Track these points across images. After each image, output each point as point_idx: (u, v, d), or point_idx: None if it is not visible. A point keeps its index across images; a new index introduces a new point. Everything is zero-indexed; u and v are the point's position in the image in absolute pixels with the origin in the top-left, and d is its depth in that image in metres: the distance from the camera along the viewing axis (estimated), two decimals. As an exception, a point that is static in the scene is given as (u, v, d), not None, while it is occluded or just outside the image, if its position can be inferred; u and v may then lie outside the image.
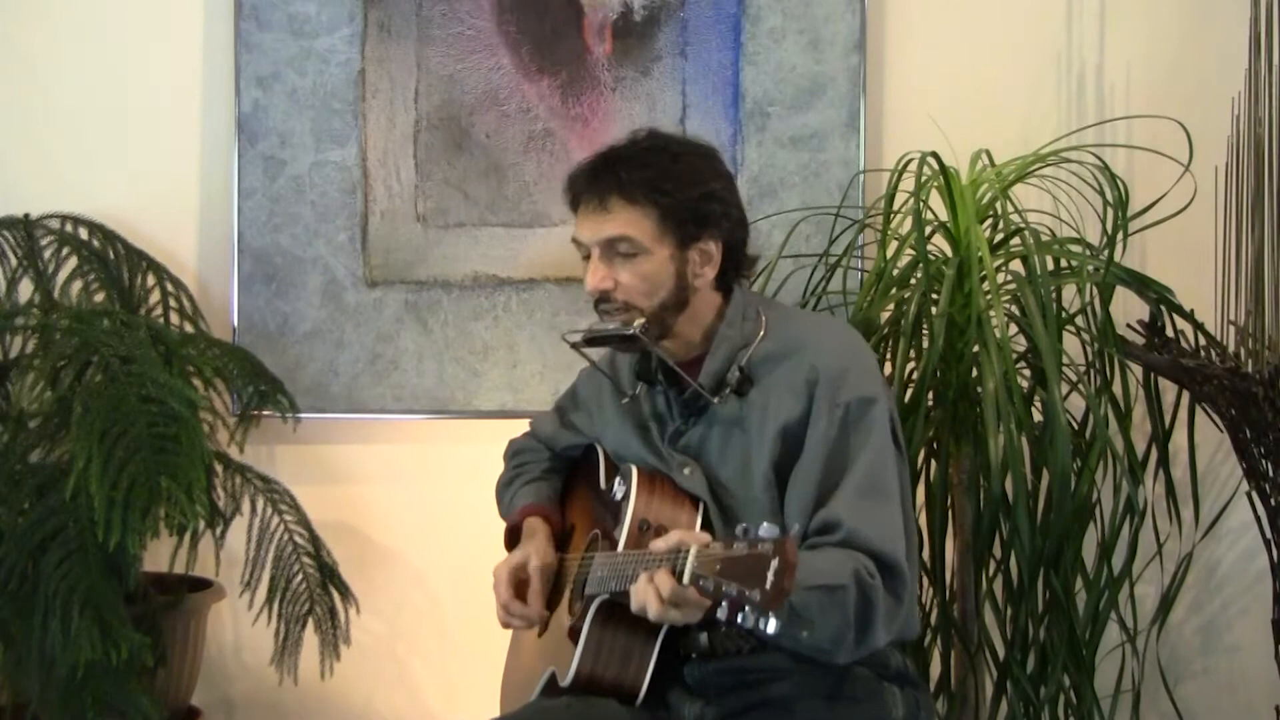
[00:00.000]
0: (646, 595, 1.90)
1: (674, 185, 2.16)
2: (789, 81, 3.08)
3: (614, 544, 2.14)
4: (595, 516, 2.30)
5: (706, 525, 2.16)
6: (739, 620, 1.76)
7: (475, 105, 3.08)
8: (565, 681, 2.12)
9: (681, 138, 2.31)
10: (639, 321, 2.17)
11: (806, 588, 1.90)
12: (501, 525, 2.46)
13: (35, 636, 2.56)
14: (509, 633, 2.45)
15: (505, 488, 2.51)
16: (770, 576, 1.75)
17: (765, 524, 1.79)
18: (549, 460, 2.49)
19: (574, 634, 2.14)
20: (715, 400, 2.19)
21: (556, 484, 2.46)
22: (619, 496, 2.20)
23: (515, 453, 2.55)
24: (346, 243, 3.08)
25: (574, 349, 2.28)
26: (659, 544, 1.92)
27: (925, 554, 2.68)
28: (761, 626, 1.75)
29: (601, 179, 2.18)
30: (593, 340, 2.23)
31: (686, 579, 1.82)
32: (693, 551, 1.82)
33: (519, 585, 2.29)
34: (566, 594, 2.26)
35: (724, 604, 1.77)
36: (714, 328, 2.23)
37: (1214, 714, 3.16)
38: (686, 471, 2.21)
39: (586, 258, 2.21)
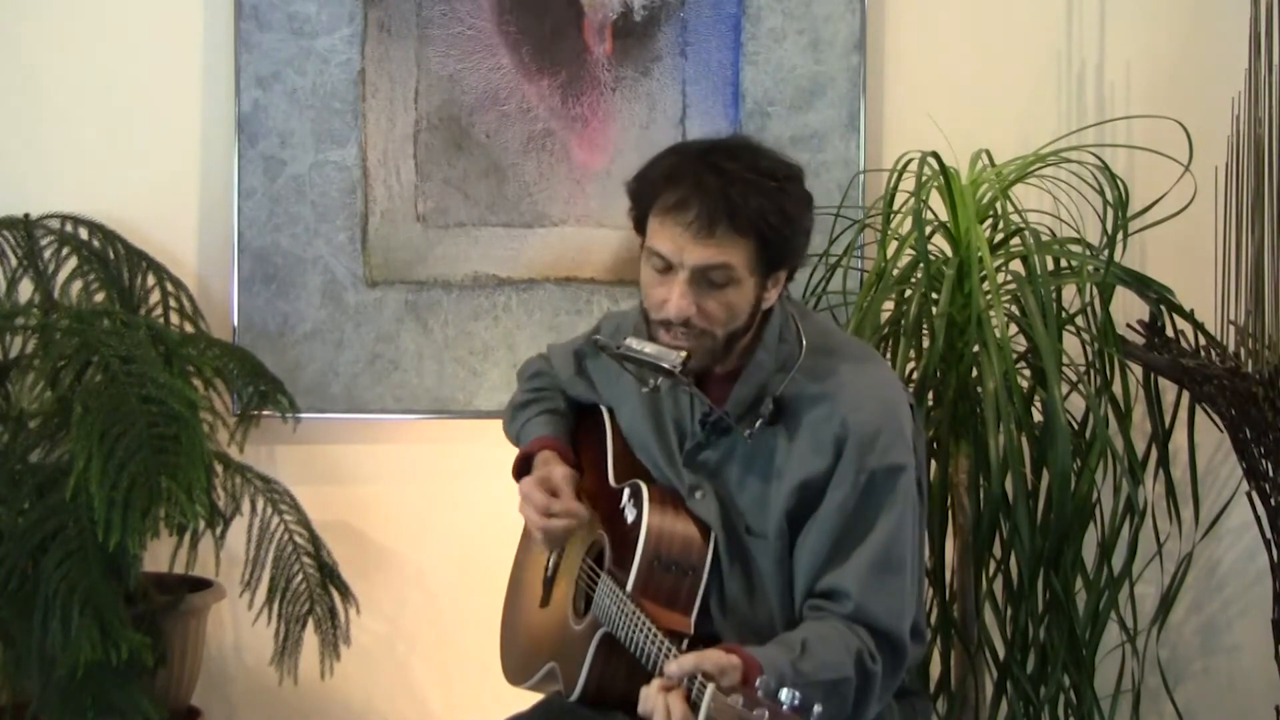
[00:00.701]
0: (655, 706, 1.85)
1: (780, 220, 2.04)
2: (789, 81, 3.08)
3: (624, 573, 2.09)
4: (601, 511, 2.25)
5: (715, 552, 2.11)
6: None
7: (475, 105, 3.08)
8: (573, 697, 2.11)
9: (777, 158, 2.13)
10: (681, 355, 2.05)
11: (812, 682, 1.88)
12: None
13: (35, 636, 2.56)
14: (509, 633, 2.45)
15: (520, 409, 2.42)
16: None
17: (786, 689, 1.74)
18: (564, 398, 2.42)
19: (580, 648, 2.13)
20: (747, 435, 2.11)
21: (572, 424, 2.38)
22: (630, 518, 2.15)
23: (533, 375, 2.46)
24: (346, 243, 3.08)
25: (602, 350, 2.19)
26: (672, 667, 1.85)
27: (925, 554, 2.68)
28: None
29: (712, 199, 2.02)
30: (628, 358, 2.12)
31: (702, 717, 1.79)
32: (709, 693, 1.78)
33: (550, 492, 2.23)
34: (570, 584, 2.25)
35: None
36: (750, 344, 2.13)
37: (1214, 714, 3.16)
38: (699, 495, 2.15)
39: (661, 270, 2.06)
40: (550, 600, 2.30)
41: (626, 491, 2.19)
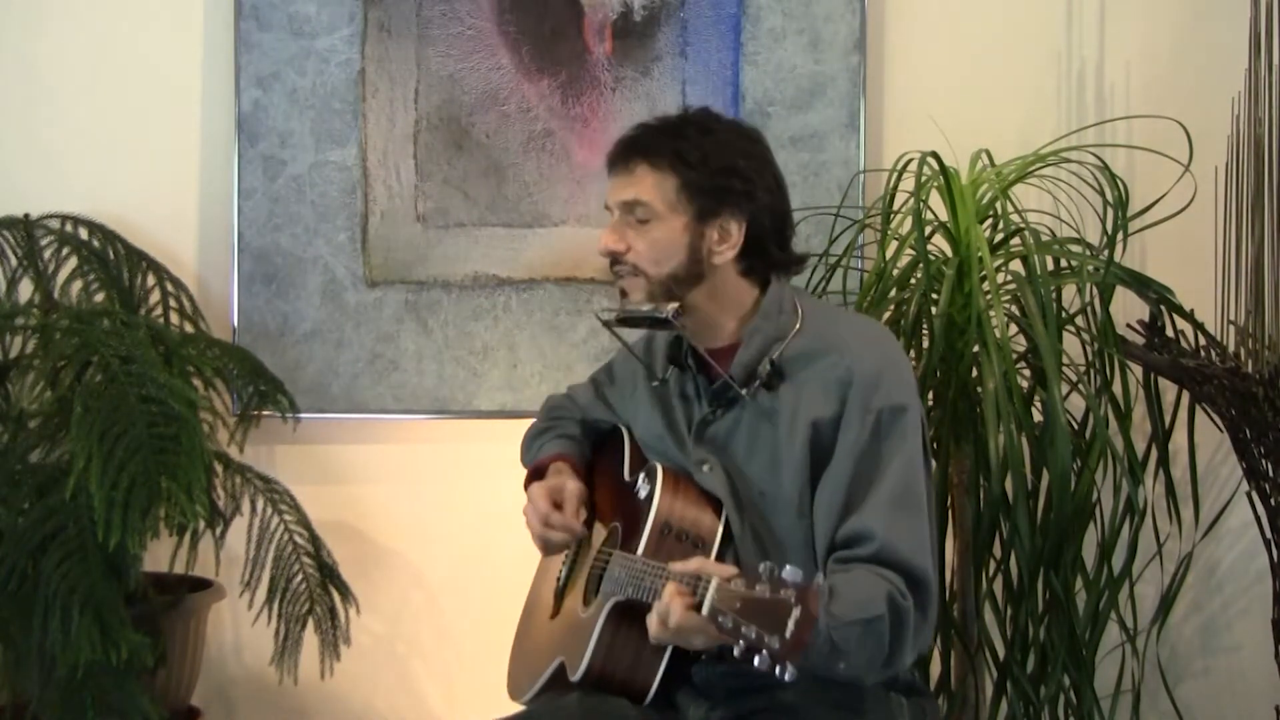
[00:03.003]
0: (658, 610, 1.90)
1: (698, 157, 2.16)
2: (789, 81, 3.08)
3: (635, 544, 2.12)
4: (616, 507, 2.28)
5: (726, 526, 2.13)
6: (755, 662, 1.74)
7: (475, 105, 3.08)
8: (575, 676, 2.11)
9: (728, 117, 2.28)
10: (673, 306, 2.16)
11: (847, 622, 1.89)
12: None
13: (35, 636, 2.56)
14: (509, 633, 2.45)
15: (537, 436, 2.49)
16: (791, 626, 1.73)
17: (790, 566, 1.77)
18: (581, 425, 2.47)
19: (587, 627, 2.14)
20: (745, 393, 2.16)
21: (586, 450, 2.43)
22: (642, 495, 2.18)
23: (552, 408, 2.53)
24: (346, 243, 3.08)
25: (606, 327, 2.28)
26: (678, 567, 1.91)
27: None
28: (778, 673, 1.73)
29: (632, 144, 2.20)
30: (625, 320, 2.23)
31: (706, 610, 1.80)
32: (713, 584, 1.81)
33: (555, 505, 2.30)
34: (582, 581, 2.26)
35: (740, 643, 1.76)
36: (749, 319, 2.20)
37: (1214, 714, 3.16)
38: (706, 469, 2.18)
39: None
40: (561, 609, 2.31)
41: (642, 474, 2.22)
